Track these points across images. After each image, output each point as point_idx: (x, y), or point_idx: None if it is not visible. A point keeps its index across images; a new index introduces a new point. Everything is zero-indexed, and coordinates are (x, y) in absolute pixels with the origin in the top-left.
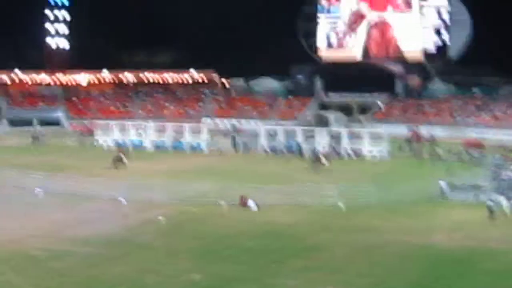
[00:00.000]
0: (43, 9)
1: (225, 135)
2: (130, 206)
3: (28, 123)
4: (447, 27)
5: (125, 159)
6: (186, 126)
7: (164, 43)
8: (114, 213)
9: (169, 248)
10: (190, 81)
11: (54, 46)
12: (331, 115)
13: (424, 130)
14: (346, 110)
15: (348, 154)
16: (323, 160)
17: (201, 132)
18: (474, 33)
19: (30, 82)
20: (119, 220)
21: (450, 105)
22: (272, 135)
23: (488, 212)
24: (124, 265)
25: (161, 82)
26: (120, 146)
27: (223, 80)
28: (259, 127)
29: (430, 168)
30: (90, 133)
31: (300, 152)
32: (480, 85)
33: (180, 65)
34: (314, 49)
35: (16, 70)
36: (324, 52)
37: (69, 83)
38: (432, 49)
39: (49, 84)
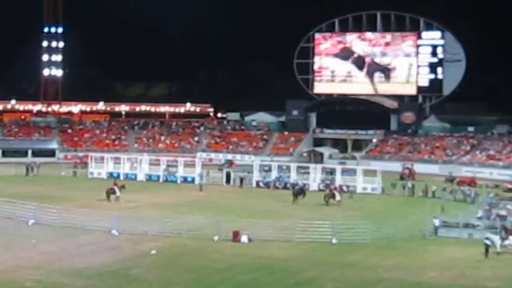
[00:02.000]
0: (41, 41)
1: (219, 170)
2: (123, 238)
3: (23, 153)
4: (442, 65)
5: (118, 192)
6: (181, 159)
7: (161, 76)
8: (107, 245)
9: (162, 281)
10: (186, 115)
11: (50, 77)
12: (325, 152)
13: (418, 167)
14: (340, 146)
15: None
16: (337, 196)
17: (196, 166)
18: (469, 71)
19: (25, 113)
20: (112, 252)
21: (445, 143)
22: (266, 170)
23: (484, 250)
24: None
25: (156, 115)
26: (115, 178)
27: (219, 114)
28: (253, 162)
29: (423, 205)
30: (84, 164)
31: (293, 187)
32: (475, 123)
33: (176, 99)
34: (310, 85)
35: (12, 101)
36: (319, 88)
37: (64, 114)
38: (427, 86)
39: (44, 115)
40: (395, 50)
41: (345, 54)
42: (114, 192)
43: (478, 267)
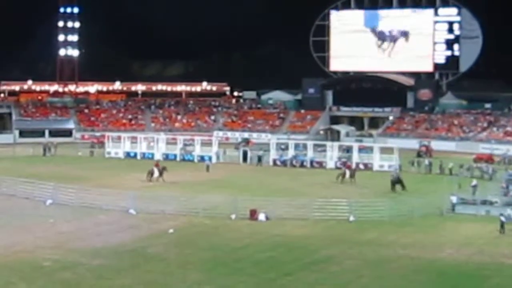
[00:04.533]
0: (57, 21)
1: (236, 148)
2: (140, 218)
3: (40, 133)
4: (459, 42)
5: (156, 173)
6: (197, 138)
7: (177, 55)
8: (125, 224)
9: (179, 260)
10: (202, 94)
11: (66, 58)
12: (342, 129)
13: (435, 145)
14: (357, 124)
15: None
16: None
17: (212, 144)
18: (486, 47)
19: (41, 93)
20: (129, 232)
21: (462, 120)
22: (283, 149)
23: (500, 226)
24: (133, 277)
25: (173, 94)
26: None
27: (235, 93)
28: (270, 140)
29: (441, 183)
30: (101, 144)
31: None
32: (492, 100)
33: (192, 78)
34: (326, 63)
35: (29, 81)
36: (336, 66)
37: (81, 95)
38: (443, 63)
39: (60, 95)
40: (411, 27)
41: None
42: (153, 173)
43: (496, 244)
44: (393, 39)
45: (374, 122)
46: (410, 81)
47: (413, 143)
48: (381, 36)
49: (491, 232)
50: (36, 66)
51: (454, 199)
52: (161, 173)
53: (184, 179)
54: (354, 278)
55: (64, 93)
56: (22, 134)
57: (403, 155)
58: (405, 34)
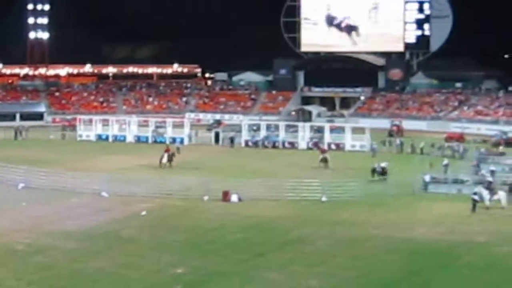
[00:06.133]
0: (26, 4)
1: (208, 130)
2: (113, 200)
3: (11, 117)
4: (429, 21)
5: (165, 158)
6: (169, 120)
7: (148, 37)
8: (97, 207)
9: (152, 242)
10: (174, 76)
11: (36, 41)
12: (314, 110)
13: (407, 124)
14: (329, 104)
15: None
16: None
17: (184, 126)
18: (456, 27)
19: (12, 77)
20: (102, 214)
21: (433, 99)
22: (255, 130)
23: (472, 205)
24: (107, 259)
25: (144, 76)
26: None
27: (206, 74)
28: (242, 122)
29: (412, 162)
30: (73, 127)
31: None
32: (463, 79)
33: (163, 60)
34: (297, 43)
35: None
36: (307, 47)
37: (52, 78)
38: (414, 42)
39: (31, 78)
40: (381, 7)
41: (328, 19)
42: (162, 159)
43: (468, 223)
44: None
45: (346, 103)
46: (380, 61)
47: (384, 123)
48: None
49: (463, 211)
50: (6, 49)
51: (426, 178)
52: (170, 159)
53: (156, 161)
54: (328, 257)
55: (34, 76)
56: None
57: (375, 135)
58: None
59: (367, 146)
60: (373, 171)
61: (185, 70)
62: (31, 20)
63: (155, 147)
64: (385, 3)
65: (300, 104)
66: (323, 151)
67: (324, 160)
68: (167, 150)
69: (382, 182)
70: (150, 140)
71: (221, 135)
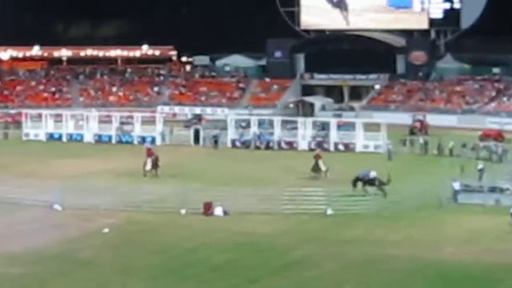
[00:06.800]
0: None
1: (186, 127)
2: (68, 214)
3: None
4: None
5: (149, 164)
6: (137, 115)
7: (110, 13)
8: (49, 223)
9: (117, 265)
10: (143, 60)
11: None
12: (317, 102)
13: (432, 119)
14: (335, 95)
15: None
16: (322, 166)
17: (156, 123)
18: None
19: None
20: (55, 232)
21: (465, 88)
22: (244, 127)
23: (511, 219)
24: (61, 287)
25: (106, 60)
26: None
27: (184, 58)
28: (227, 116)
29: (439, 166)
30: (18, 124)
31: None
32: (502, 63)
33: (130, 40)
34: (296, 19)
35: None
36: (309, 23)
37: None
38: (441, 18)
39: None
40: None
41: None
42: (145, 165)
43: (508, 240)
44: None
45: (356, 93)
46: (400, 41)
47: (404, 118)
48: None
49: (501, 226)
50: None
51: (456, 185)
52: (155, 164)
53: (121, 166)
54: (335, 284)
55: None
56: None
57: (393, 132)
58: None
59: (383, 146)
60: (356, 180)
61: (157, 53)
62: None
63: (120, 148)
64: None
65: (300, 95)
66: (315, 157)
67: (316, 169)
68: (149, 154)
69: (401, 191)
70: (113, 140)
71: (202, 134)
